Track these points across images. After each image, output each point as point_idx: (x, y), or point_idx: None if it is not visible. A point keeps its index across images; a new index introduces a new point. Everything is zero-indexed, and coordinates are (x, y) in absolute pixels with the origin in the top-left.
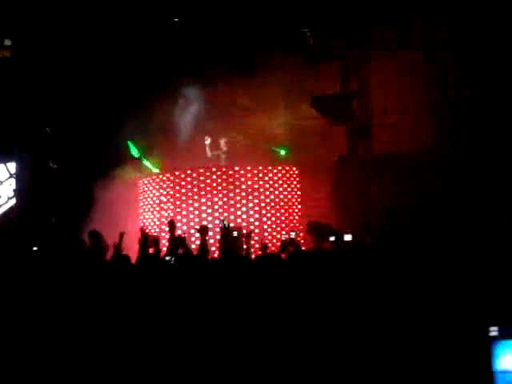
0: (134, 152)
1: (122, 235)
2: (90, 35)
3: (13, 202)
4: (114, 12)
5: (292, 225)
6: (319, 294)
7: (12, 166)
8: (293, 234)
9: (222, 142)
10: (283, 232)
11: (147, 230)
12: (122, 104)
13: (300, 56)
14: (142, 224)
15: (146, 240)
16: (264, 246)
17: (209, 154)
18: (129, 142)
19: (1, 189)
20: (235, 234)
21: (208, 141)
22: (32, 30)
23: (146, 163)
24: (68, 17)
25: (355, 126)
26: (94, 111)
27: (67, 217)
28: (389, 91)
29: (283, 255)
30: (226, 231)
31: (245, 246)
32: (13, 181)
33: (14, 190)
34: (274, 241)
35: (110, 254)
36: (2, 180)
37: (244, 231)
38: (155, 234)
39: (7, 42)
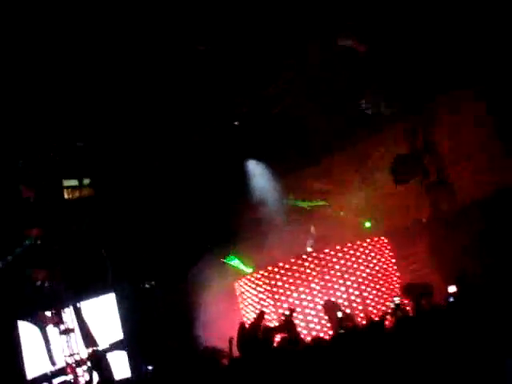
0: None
1: (231, 341)
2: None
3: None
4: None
5: (394, 294)
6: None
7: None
8: (397, 300)
9: (312, 228)
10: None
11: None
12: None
13: (363, 126)
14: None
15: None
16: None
17: (309, 244)
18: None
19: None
20: (340, 314)
21: (312, 229)
22: (112, 167)
23: (239, 266)
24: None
25: (432, 182)
26: (180, 227)
27: (175, 331)
28: (456, 140)
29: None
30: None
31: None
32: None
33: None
34: (380, 314)
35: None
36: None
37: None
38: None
39: (86, 181)
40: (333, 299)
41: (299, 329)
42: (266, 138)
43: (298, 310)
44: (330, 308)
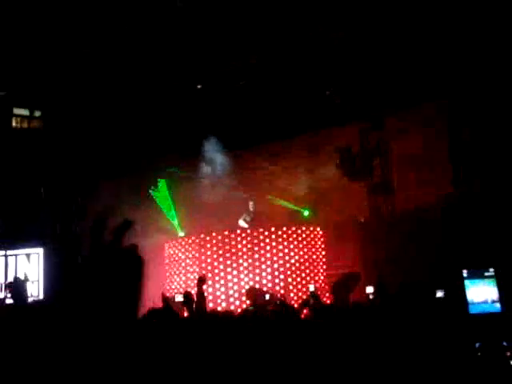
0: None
1: (164, 298)
2: (114, 100)
3: None
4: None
5: (317, 285)
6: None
7: None
8: (311, 287)
9: (251, 204)
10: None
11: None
12: (148, 167)
13: (319, 119)
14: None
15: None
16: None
17: (247, 218)
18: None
19: None
20: (267, 297)
21: (251, 205)
22: (61, 101)
23: (174, 224)
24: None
25: (376, 184)
26: (122, 176)
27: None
28: (407, 147)
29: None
30: None
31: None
32: None
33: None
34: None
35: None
36: None
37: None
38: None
39: (37, 113)
40: (257, 286)
41: (219, 301)
42: (226, 110)
43: (222, 282)
44: (256, 294)
